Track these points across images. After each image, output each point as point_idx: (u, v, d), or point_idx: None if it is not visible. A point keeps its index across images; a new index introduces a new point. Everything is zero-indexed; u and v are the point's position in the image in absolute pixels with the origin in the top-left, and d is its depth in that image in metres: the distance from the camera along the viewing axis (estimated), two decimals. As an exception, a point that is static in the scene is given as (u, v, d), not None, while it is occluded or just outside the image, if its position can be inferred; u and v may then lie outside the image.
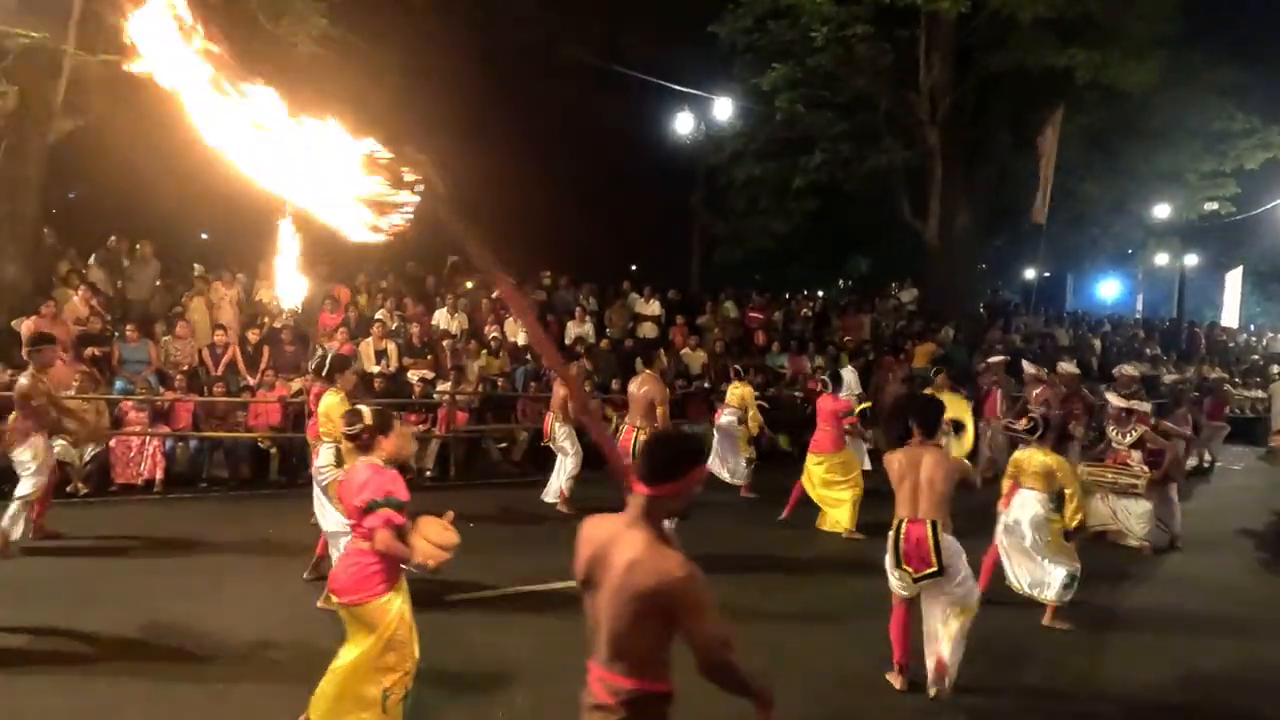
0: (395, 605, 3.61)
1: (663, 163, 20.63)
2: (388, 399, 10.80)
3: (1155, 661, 5.60)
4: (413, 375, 11.20)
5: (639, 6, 19.38)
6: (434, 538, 3.67)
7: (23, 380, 6.46)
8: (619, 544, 2.35)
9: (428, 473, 10.65)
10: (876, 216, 20.51)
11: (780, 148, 18.11)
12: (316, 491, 5.92)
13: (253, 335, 11.06)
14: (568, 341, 13.44)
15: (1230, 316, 29.43)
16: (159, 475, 9.39)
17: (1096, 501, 8.22)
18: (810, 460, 8.63)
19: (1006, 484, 6.25)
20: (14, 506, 6.17)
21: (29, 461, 6.29)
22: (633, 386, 7.81)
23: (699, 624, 2.25)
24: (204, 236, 22.95)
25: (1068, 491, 5.83)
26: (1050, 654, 5.65)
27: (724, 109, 18.34)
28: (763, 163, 18.42)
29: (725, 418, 9.91)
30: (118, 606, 5.72)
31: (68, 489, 8.99)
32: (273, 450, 10.11)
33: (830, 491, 8.52)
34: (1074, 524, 5.79)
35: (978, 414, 11.01)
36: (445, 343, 11.92)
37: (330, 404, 5.93)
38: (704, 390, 12.70)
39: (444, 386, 11.12)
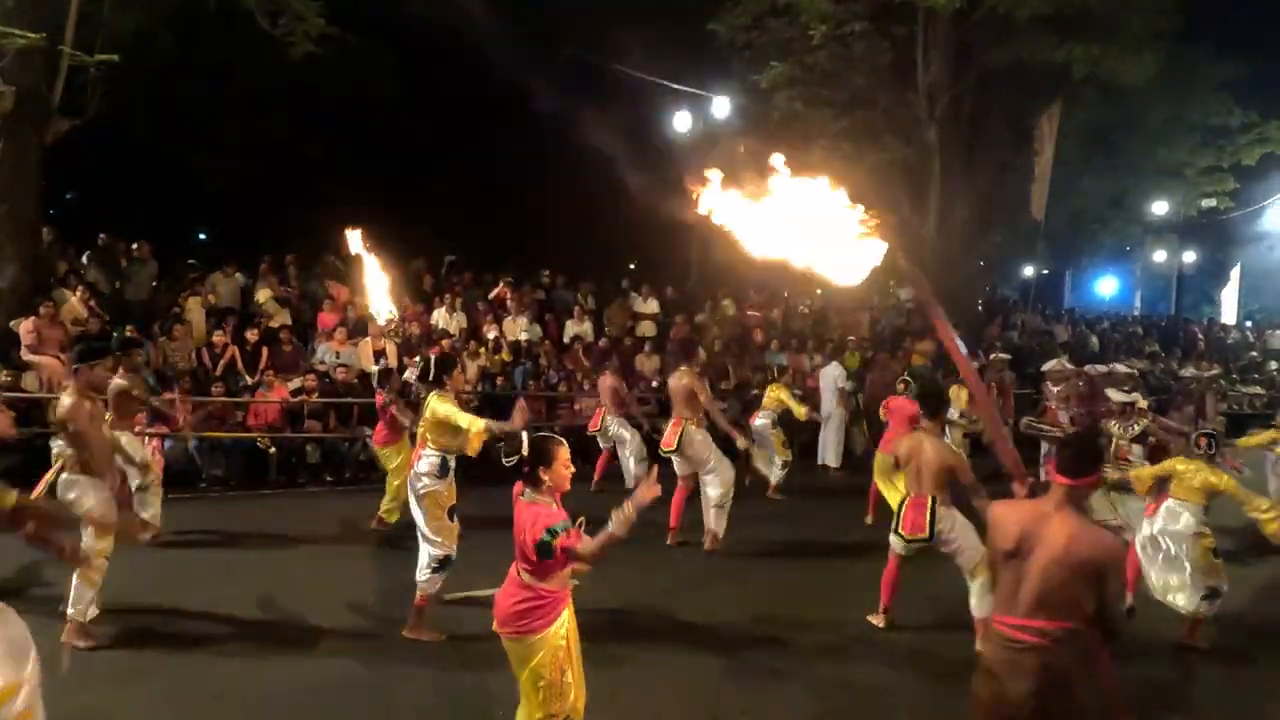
0: (548, 644, 3.40)
1: (661, 161, 20.61)
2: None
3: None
4: (411, 374, 11.18)
5: (637, 4, 19.36)
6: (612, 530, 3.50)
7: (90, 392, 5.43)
8: (1052, 523, 3.00)
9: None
10: (875, 214, 20.49)
11: (778, 145, 18.08)
12: (412, 497, 5.66)
13: (251, 335, 11.05)
14: (566, 339, 13.45)
15: (1228, 313, 29.47)
16: (158, 473, 9.37)
17: (1099, 496, 8.21)
18: (879, 459, 8.38)
19: (1146, 487, 6.16)
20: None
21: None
22: (672, 381, 8.13)
23: (1115, 586, 3.02)
24: (202, 237, 23.02)
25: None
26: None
27: (722, 107, 18.32)
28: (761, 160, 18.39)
29: (760, 420, 10.00)
30: (114, 605, 5.73)
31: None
32: (271, 450, 10.10)
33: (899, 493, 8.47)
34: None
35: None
36: (444, 342, 11.91)
37: (440, 409, 5.60)
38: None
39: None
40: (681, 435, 7.57)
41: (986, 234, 21.74)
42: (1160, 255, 27.86)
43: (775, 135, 17.87)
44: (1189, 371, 14.86)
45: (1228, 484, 5.77)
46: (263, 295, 11.99)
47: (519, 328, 12.99)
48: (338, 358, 11.08)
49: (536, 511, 3.38)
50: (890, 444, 8.45)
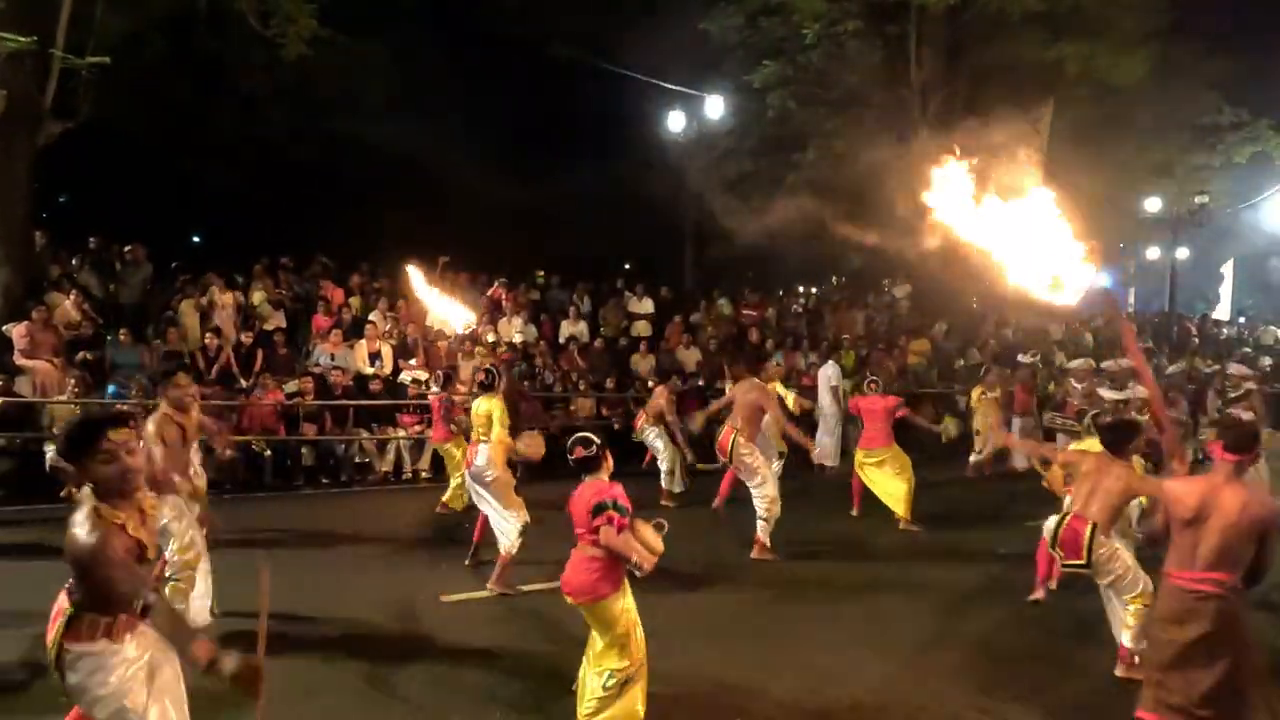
0: (621, 604, 4.02)
1: (655, 160, 20.63)
2: (382, 401, 10.82)
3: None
4: (406, 376, 11.18)
5: (630, 4, 19.37)
6: (649, 541, 4.06)
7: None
8: (1224, 492, 3.68)
9: (423, 474, 10.63)
10: (869, 212, 20.50)
11: (772, 145, 18.12)
12: (478, 487, 6.43)
13: (246, 338, 11.01)
14: (561, 340, 13.44)
15: (1222, 309, 29.60)
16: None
17: None
18: (862, 456, 8.84)
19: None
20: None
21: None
22: (739, 393, 8.25)
23: (1274, 543, 3.66)
24: (195, 239, 22.97)
25: None
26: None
27: (715, 107, 18.33)
28: (755, 160, 18.42)
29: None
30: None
31: (61, 494, 8.96)
32: (267, 453, 10.07)
33: (889, 484, 8.69)
34: None
35: (1007, 409, 11.89)
36: (440, 343, 11.91)
37: (482, 409, 6.50)
38: (698, 388, 12.71)
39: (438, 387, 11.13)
40: (732, 447, 7.83)
41: (980, 232, 21.81)
42: (1153, 252, 27.97)
43: (768, 134, 17.96)
44: (1178, 367, 14.95)
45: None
46: (256, 298, 11.95)
47: (514, 328, 12.99)
48: (333, 360, 11.06)
49: (597, 485, 4.04)
50: (871, 441, 8.73)
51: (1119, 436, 5.25)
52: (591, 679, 4.06)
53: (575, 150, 21.69)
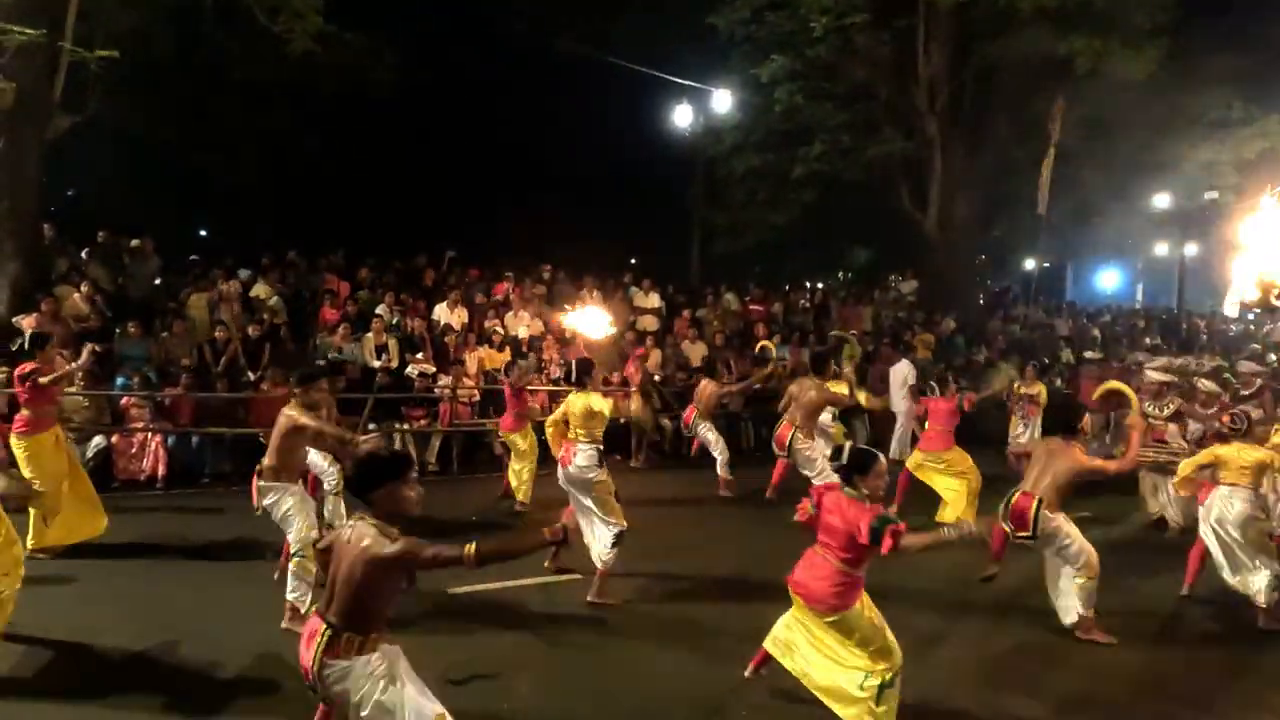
0: (863, 615, 4.19)
1: (661, 155, 20.61)
2: (389, 394, 10.84)
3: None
4: (413, 370, 11.20)
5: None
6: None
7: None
8: None
9: (430, 466, 10.66)
10: (876, 208, 20.48)
11: (779, 139, 18.06)
12: (574, 489, 6.27)
13: (253, 331, 11.04)
14: (567, 335, 13.43)
15: (1231, 305, 29.39)
16: (161, 471, 9.41)
17: (1142, 478, 8.53)
18: (923, 458, 8.57)
19: (1190, 474, 6.27)
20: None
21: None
22: (795, 388, 8.63)
23: None
24: (202, 233, 23.02)
25: None
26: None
27: (723, 101, 18.28)
28: (762, 154, 18.36)
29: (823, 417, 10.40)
30: (119, 602, 5.75)
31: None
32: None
33: (951, 485, 8.48)
34: None
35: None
36: (447, 338, 11.92)
37: (582, 404, 6.29)
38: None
39: (445, 381, 11.14)
40: (791, 441, 8.29)
41: (988, 227, 21.74)
42: (1162, 248, 27.83)
43: (775, 129, 17.91)
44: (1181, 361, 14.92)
45: (1275, 457, 5.95)
46: (264, 291, 11.97)
47: (521, 322, 12.99)
48: (340, 354, 11.08)
49: (860, 508, 4.10)
50: (932, 443, 8.56)
51: (1068, 418, 5.84)
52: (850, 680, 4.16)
53: (582, 145, 21.67)
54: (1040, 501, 5.46)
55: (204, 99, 16.21)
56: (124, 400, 9.68)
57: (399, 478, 3.20)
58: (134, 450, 9.47)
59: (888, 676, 4.08)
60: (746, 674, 4.66)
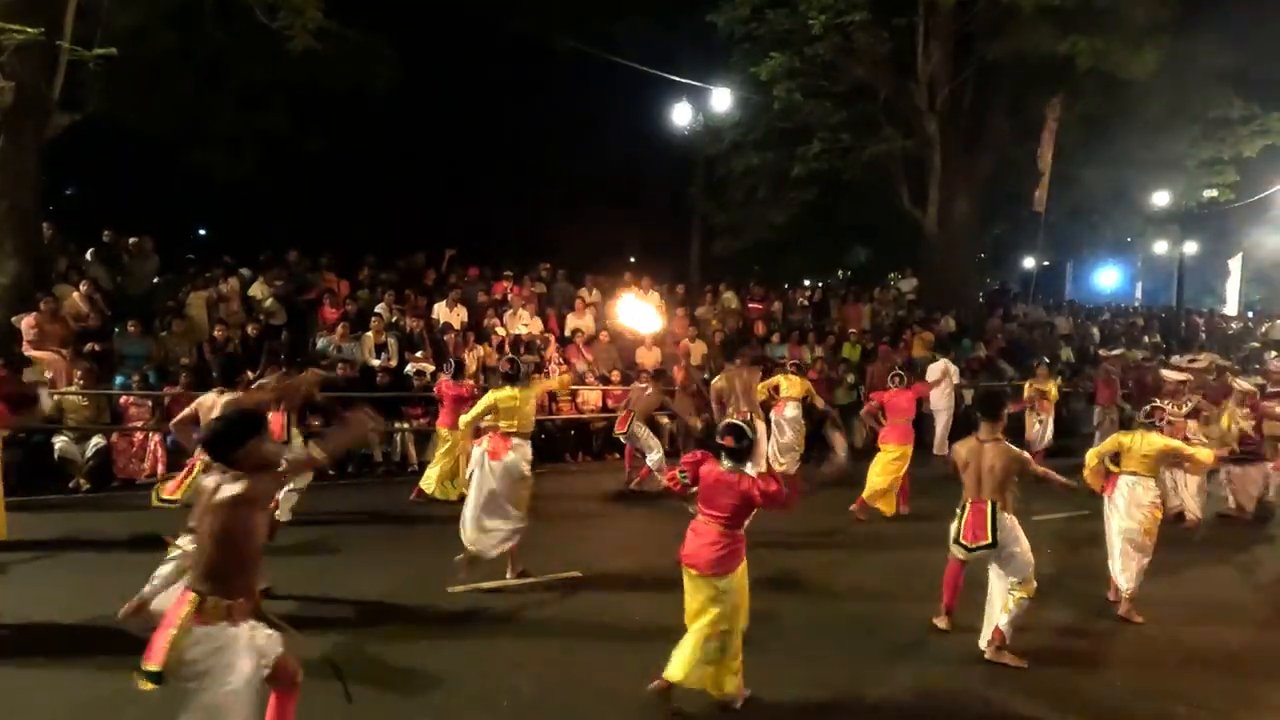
0: (743, 577, 4.47)
1: (661, 154, 20.60)
2: (388, 393, 10.84)
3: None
4: (412, 368, 11.19)
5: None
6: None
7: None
8: None
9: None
10: (875, 206, 20.48)
11: (778, 138, 18.06)
12: (505, 479, 6.38)
13: (251, 330, 11.03)
14: (567, 333, 13.44)
15: (1230, 304, 29.43)
16: (160, 470, 9.40)
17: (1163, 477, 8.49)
18: (895, 452, 8.83)
19: (1097, 466, 6.29)
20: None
21: None
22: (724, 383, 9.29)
23: None
24: (202, 232, 23.02)
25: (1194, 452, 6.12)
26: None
27: (722, 99, 18.27)
28: (761, 153, 18.37)
29: (790, 411, 10.60)
30: (122, 600, 5.74)
31: (69, 485, 9.02)
32: (274, 444, 10.10)
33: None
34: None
35: (1091, 401, 13.00)
36: (446, 336, 11.91)
37: (512, 400, 6.52)
38: (704, 381, 12.70)
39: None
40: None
41: (987, 225, 21.74)
42: (1161, 246, 27.81)
43: (775, 127, 17.90)
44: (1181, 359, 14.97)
45: (1174, 443, 6.12)
46: (261, 291, 11.96)
47: (520, 321, 12.98)
48: (339, 352, 11.08)
49: (746, 477, 4.37)
50: (904, 437, 8.79)
51: (991, 408, 5.72)
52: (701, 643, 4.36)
53: (582, 144, 21.66)
54: (994, 505, 5.31)
55: (204, 98, 16.17)
56: (123, 399, 9.68)
57: (259, 432, 3.24)
58: (134, 450, 9.47)
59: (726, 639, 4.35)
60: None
